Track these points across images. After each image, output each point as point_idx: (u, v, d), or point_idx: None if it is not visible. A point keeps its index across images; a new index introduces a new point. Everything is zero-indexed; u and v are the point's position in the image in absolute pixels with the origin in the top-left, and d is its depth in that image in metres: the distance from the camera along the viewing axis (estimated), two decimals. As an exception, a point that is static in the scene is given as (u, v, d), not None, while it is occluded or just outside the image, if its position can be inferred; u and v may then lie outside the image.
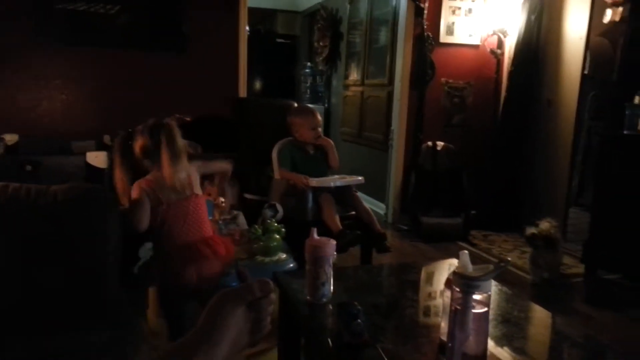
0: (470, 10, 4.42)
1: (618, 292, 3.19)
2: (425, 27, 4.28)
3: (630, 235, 3.03)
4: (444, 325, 1.19)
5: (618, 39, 3.56)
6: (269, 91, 7.40)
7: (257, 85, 7.43)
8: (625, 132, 3.07)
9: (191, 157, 2.79)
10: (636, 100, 3.09)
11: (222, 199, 2.26)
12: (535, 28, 4.21)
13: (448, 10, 4.38)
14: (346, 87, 5.94)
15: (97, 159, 3.16)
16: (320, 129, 2.96)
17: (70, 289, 1.55)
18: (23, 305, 1.52)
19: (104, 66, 3.77)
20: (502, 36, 4.43)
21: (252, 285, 0.77)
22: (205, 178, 2.21)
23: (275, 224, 2.28)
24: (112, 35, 3.73)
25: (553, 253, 3.16)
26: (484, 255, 3.74)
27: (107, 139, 3.46)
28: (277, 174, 2.93)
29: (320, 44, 6.44)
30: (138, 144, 1.91)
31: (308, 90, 7.05)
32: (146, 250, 2.08)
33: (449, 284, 1.15)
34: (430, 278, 1.86)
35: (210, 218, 2.25)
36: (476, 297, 1.07)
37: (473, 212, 4.27)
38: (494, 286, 1.54)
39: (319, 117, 2.98)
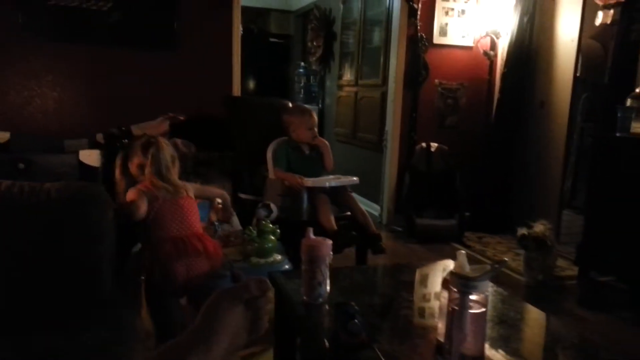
0: (463, 12, 4.44)
1: (611, 294, 3.20)
2: (418, 27, 4.29)
3: (623, 238, 3.04)
4: (441, 325, 1.19)
5: (609, 41, 3.59)
6: (263, 91, 7.38)
7: (251, 85, 7.41)
8: (617, 134, 3.09)
9: (184, 157, 2.78)
10: (628, 102, 3.11)
11: (218, 200, 2.25)
12: (528, 30, 4.23)
13: (441, 11, 4.39)
14: (340, 87, 5.94)
15: (90, 157, 3.12)
16: (316, 129, 2.96)
17: (64, 288, 1.53)
18: (16, 304, 1.50)
19: (96, 64, 3.74)
20: (495, 38, 4.44)
21: (249, 283, 0.76)
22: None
23: (270, 225, 2.27)
24: (104, 32, 3.70)
25: (547, 255, 3.18)
26: (478, 257, 3.75)
27: (100, 137, 3.43)
28: (271, 174, 2.92)
29: (314, 43, 6.43)
30: (134, 164, 2.05)
31: (302, 90, 7.04)
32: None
33: (446, 284, 1.14)
34: (425, 279, 1.86)
35: (206, 221, 2.25)
36: (473, 297, 1.07)
37: (467, 213, 4.28)
38: (490, 287, 1.54)
39: (315, 117, 2.97)
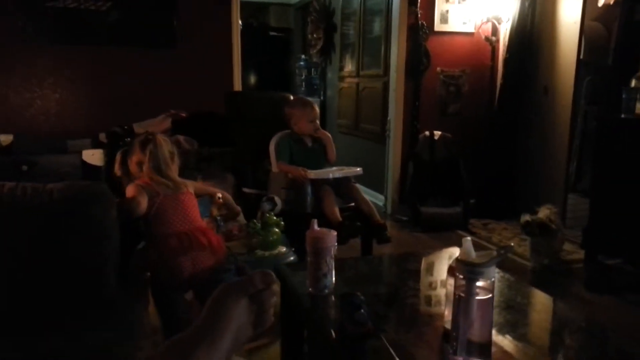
0: (464, -2, 4.40)
1: (618, 277, 3.19)
2: (419, 15, 4.26)
3: (629, 220, 3.03)
4: (447, 313, 1.19)
5: (612, 22, 3.55)
6: (264, 85, 7.37)
7: (252, 79, 7.39)
8: (622, 116, 3.07)
9: (187, 154, 2.79)
10: (633, 83, 3.07)
11: (219, 195, 2.26)
12: (530, 14, 4.19)
13: (442, -1, 4.36)
14: (341, 79, 5.91)
15: (93, 157, 3.13)
16: (318, 122, 2.95)
17: (69, 288, 1.54)
18: (20, 305, 1.51)
19: (97, 63, 3.74)
20: (496, 23, 4.40)
21: (254, 277, 0.75)
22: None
23: (274, 217, 2.27)
24: (103, 32, 3.70)
25: (553, 239, 3.16)
26: (484, 243, 3.74)
27: (102, 136, 3.43)
28: (275, 167, 2.92)
29: (314, 36, 6.40)
30: (133, 161, 2.06)
31: (303, 83, 7.02)
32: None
33: (452, 271, 1.14)
34: (431, 267, 1.86)
35: (208, 215, 2.25)
36: (480, 284, 1.06)
37: (472, 200, 4.26)
38: (496, 273, 1.53)
39: (317, 110, 2.97)
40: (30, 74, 3.62)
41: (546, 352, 1.27)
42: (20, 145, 3.27)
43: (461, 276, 1.06)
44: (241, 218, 2.45)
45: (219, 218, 2.24)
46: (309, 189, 2.76)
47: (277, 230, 2.24)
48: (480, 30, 4.45)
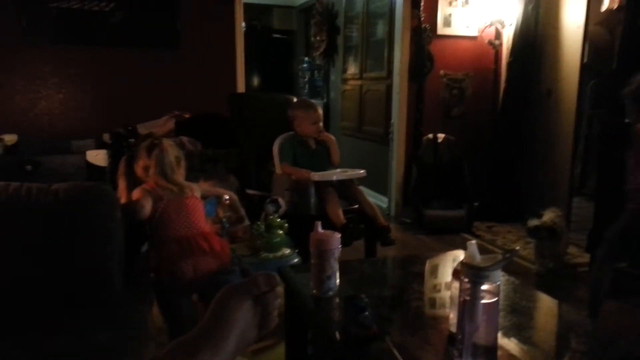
0: (467, 1, 4.39)
1: (623, 280, 3.17)
2: (422, 19, 4.26)
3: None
4: (452, 316, 1.18)
5: (616, 27, 3.54)
6: (267, 87, 7.37)
7: (255, 81, 7.40)
8: (626, 120, 3.05)
9: (191, 155, 2.79)
10: (637, 87, 3.06)
11: (226, 197, 2.26)
12: (533, 18, 4.19)
13: (445, 2, 4.36)
14: (344, 81, 5.91)
15: (97, 157, 3.14)
16: (321, 124, 2.95)
17: (73, 288, 1.54)
18: (26, 304, 1.50)
19: (100, 64, 3.76)
20: (499, 27, 4.40)
21: (258, 279, 0.75)
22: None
23: (278, 219, 2.27)
24: (107, 33, 3.71)
25: (558, 243, 3.15)
26: (489, 246, 3.73)
27: (106, 137, 3.44)
28: (278, 169, 2.92)
29: (317, 38, 6.40)
30: (140, 165, 2.06)
31: (306, 86, 7.03)
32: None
33: (457, 274, 1.13)
34: (435, 270, 1.85)
35: (214, 216, 2.25)
36: (485, 287, 1.05)
37: (476, 203, 4.26)
38: (501, 276, 1.53)
39: (320, 112, 2.96)
40: (34, 75, 3.63)
41: (552, 355, 1.27)
42: (24, 146, 3.29)
43: (466, 279, 1.05)
44: (245, 220, 2.44)
45: (224, 219, 2.24)
46: (313, 191, 2.75)
47: (281, 232, 2.24)
48: (483, 34, 4.45)
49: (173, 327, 1.95)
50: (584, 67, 3.93)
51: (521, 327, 1.31)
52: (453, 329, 1.15)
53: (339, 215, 2.67)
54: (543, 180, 4.27)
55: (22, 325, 1.42)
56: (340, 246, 1.43)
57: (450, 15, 4.38)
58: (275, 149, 2.94)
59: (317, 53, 6.46)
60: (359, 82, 5.49)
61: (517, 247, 2.76)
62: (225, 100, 3.50)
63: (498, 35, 4.44)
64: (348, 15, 5.77)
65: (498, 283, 1.08)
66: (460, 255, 1.70)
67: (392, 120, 4.58)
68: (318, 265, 1.40)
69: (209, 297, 0.75)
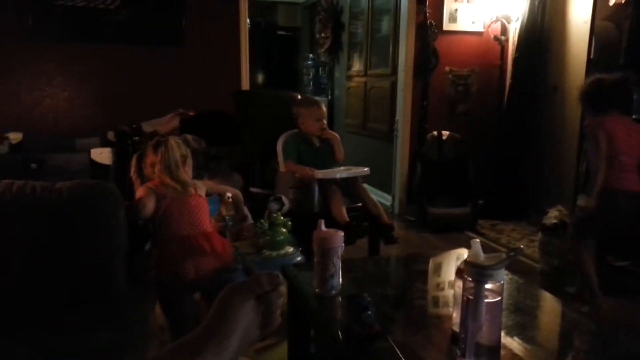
0: (473, -3, 4.37)
1: (628, 279, 3.15)
2: (427, 14, 4.24)
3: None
4: (455, 315, 1.18)
5: (624, 22, 3.50)
6: (272, 84, 7.37)
7: (260, 78, 7.40)
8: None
9: (195, 153, 2.79)
10: (644, 83, 3.04)
11: (228, 194, 2.26)
12: (540, 13, 4.15)
13: (450, -2, 4.33)
14: (349, 78, 5.90)
15: (101, 155, 3.15)
16: (325, 121, 2.94)
17: (77, 287, 1.54)
18: (29, 302, 1.51)
19: (105, 62, 3.76)
20: (505, 22, 4.37)
21: (261, 278, 0.75)
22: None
23: (281, 217, 2.26)
24: (112, 30, 3.72)
25: (563, 241, 3.13)
26: (493, 244, 3.72)
27: (111, 135, 3.45)
28: (282, 167, 2.91)
29: (322, 35, 6.39)
30: (147, 163, 2.08)
31: (311, 82, 7.02)
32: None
33: (460, 273, 1.13)
34: (439, 268, 1.84)
35: (216, 214, 2.25)
36: (489, 286, 1.05)
37: (480, 201, 4.24)
38: (505, 275, 1.52)
39: (324, 109, 2.96)
40: (39, 73, 3.65)
41: (556, 354, 1.26)
42: (29, 144, 3.30)
43: (470, 278, 1.05)
44: (249, 219, 2.45)
45: (227, 217, 2.24)
46: (317, 189, 2.75)
47: (284, 230, 2.23)
48: (489, 30, 4.42)
49: (175, 326, 1.95)
50: (591, 63, 3.90)
51: (525, 326, 1.30)
52: (456, 328, 1.15)
53: (342, 213, 2.66)
54: (549, 176, 4.25)
55: (25, 323, 1.43)
56: (343, 244, 1.42)
57: (456, 10, 4.36)
58: (279, 146, 2.94)
59: (322, 50, 6.45)
60: (363, 79, 5.48)
61: (522, 246, 2.74)
62: (230, 98, 3.50)
63: (504, 30, 4.41)
64: (353, 12, 5.75)
65: (502, 282, 1.07)
66: (464, 253, 1.69)
67: (396, 117, 4.57)
68: (321, 264, 1.40)
69: (212, 295, 0.75)
